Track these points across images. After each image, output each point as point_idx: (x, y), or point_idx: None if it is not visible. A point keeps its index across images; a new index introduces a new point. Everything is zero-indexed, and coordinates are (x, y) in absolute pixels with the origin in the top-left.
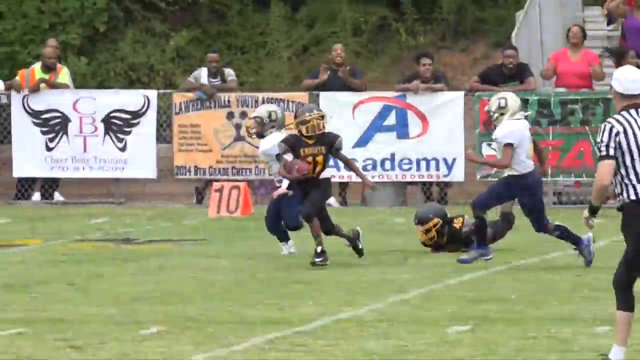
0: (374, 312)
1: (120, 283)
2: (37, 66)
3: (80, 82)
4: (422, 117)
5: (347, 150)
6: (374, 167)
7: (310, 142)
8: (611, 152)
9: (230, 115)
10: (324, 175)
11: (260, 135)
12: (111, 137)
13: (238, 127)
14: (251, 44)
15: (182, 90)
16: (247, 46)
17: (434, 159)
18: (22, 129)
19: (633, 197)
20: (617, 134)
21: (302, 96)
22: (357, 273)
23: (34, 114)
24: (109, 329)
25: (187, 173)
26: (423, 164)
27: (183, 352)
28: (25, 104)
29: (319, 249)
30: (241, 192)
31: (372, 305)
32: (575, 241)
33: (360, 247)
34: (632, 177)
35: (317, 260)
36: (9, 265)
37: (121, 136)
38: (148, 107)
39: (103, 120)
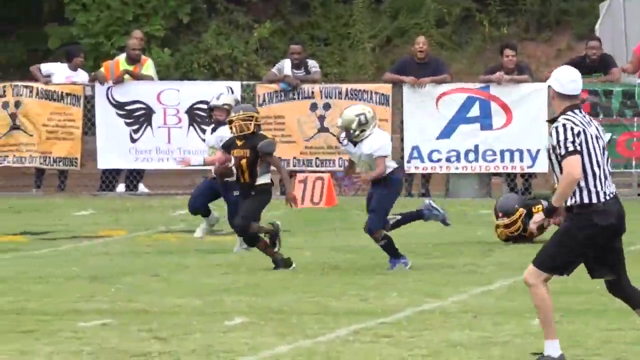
0: (457, 303)
1: (204, 274)
2: (121, 58)
3: (164, 73)
4: (506, 109)
5: (430, 142)
6: (458, 159)
7: (240, 143)
8: (578, 147)
9: (313, 107)
10: (263, 180)
11: (224, 123)
12: (195, 129)
13: (322, 118)
14: (335, 35)
15: (265, 82)
16: (330, 37)
17: (517, 150)
18: (107, 120)
19: (587, 200)
20: (579, 133)
21: (385, 88)
22: (440, 264)
23: (118, 106)
24: (193, 320)
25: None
26: (507, 155)
27: (267, 343)
28: (110, 96)
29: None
30: (325, 184)
31: (456, 296)
32: (418, 216)
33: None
34: (590, 179)
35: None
36: (94, 257)
37: (205, 127)
38: None
39: (187, 112)
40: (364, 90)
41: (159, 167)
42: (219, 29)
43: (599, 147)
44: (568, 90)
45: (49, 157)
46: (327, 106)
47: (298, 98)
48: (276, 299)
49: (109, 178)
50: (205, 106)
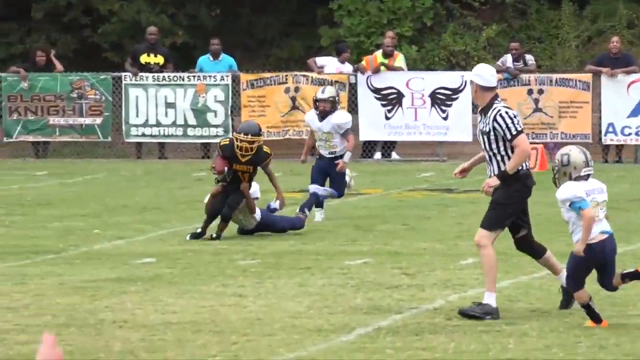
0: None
1: (443, 224)
2: (378, 53)
3: (412, 65)
4: None
5: (622, 120)
6: None
7: (243, 160)
8: (522, 128)
9: (530, 92)
10: (253, 188)
11: (329, 112)
12: (436, 109)
13: (536, 101)
14: (546, 35)
15: None
16: (543, 37)
17: None
18: (366, 102)
19: (521, 167)
20: (517, 115)
21: (587, 77)
22: (629, 216)
23: (375, 91)
24: (435, 259)
25: None
26: None
27: None
28: (369, 83)
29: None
30: (539, 152)
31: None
32: (315, 197)
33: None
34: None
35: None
36: (357, 210)
37: (444, 108)
38: (465, 85)
39: (430, 96)
40: (570, 79)
41: (407, 139)
42: (455, 30)
43: None
44: (490, 83)
45: None
46: (540, 91)
47: (517, 85)
48: (501, 244)
49: (368, 147)
50: (445, 91)
